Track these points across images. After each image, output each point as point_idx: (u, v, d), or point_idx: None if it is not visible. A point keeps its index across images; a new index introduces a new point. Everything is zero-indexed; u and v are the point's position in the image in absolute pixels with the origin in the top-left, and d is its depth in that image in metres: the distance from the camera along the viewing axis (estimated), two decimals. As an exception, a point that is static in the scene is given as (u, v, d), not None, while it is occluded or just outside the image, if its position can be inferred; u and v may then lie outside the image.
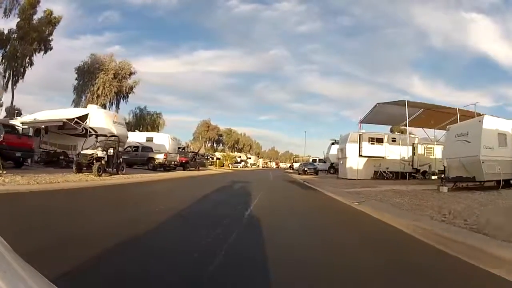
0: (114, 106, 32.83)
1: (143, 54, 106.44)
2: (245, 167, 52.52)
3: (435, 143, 20.96)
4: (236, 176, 20.83)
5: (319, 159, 32.22)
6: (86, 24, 65.41)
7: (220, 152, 57.65)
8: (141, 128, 35.50)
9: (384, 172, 18.25)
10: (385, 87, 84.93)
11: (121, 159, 13.49)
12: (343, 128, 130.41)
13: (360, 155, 17.66)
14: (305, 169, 26.14)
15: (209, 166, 39.06)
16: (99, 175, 11.31)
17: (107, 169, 12.19)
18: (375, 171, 18.27)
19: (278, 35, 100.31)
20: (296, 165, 38.09)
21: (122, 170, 13.34)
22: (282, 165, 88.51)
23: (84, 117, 15.65)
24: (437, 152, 19.63)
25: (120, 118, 16.52)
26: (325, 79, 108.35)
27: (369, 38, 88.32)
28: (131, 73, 34.28)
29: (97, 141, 12.84)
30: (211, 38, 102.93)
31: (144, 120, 39.60)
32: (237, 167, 48.23)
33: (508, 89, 72.25)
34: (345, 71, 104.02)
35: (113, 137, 13.18)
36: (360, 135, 17.71)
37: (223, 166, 46.45)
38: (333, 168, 30.09)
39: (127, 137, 17.31)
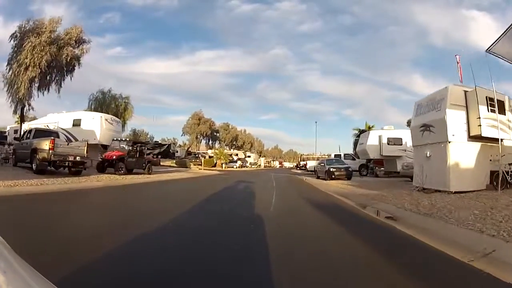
0: (53, 84, 23.32)
1: (144, 55, 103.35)
2: (243, 167, 43.04)
3: None
4: (200, 191, 11.46)
5: (345, 155, 22.08)
6: (86, 26, 57.07)
7: (217, 149, 48.04)
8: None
9: (507, 172, 8.60)
10: (386, 85, 79.50)
11: None
12: (344, 128, 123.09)
13: (471, 137, 7.99)
14: (332, 170, 15.63)
15: (192, 166, 29.78)
16: None
17: None
18: (491, 172, 8.63)
19: (279, 35, 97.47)
20: (311, 164, 26.48)
21: None
22: (286, 164, 79.11)
23: None
24: None
25: None
26: (327, 78, 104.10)
27: (370, 36, 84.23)
28: (81, 41, 24.52)
29: None
30: (213, 38, 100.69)
31: (108, 107, 30.17)
32: (232, 167, 38.89)
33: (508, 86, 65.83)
34: (347, 69, 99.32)
35: None
36: (469, 92, 7.89)
37: (215, 165, 37.19)
38: (366, 168, 20.46)
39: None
